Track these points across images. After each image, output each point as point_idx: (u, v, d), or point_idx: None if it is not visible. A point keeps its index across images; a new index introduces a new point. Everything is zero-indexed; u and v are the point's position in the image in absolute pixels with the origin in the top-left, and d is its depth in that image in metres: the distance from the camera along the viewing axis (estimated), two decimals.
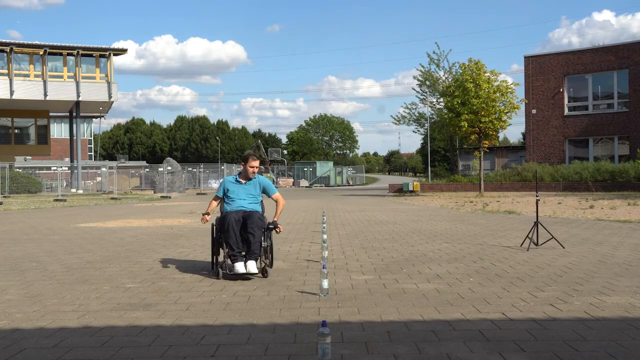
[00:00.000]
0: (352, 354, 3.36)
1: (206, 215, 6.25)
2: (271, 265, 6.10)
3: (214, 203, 6.47)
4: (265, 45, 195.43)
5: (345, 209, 17.31)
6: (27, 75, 35.04)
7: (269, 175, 56.29)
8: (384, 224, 11.85)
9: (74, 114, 37.81)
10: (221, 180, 6.16)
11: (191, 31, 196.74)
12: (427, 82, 39.89)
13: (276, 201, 6.40)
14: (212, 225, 6.22)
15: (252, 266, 5.69)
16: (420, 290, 5.11)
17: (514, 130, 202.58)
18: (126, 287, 5.46)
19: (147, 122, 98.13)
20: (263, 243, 5.90)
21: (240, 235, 5.82)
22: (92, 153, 69.14)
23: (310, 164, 60.01)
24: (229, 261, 5.78)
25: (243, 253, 5.81)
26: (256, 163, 6.25)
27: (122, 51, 38.39)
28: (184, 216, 14.84)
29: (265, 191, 6.36)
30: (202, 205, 20.68)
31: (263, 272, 5.85)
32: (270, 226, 6.04)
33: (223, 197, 6.35)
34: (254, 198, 6.26)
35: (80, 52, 35.94)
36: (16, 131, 40.49)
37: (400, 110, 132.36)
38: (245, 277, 5.66)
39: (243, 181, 6.27)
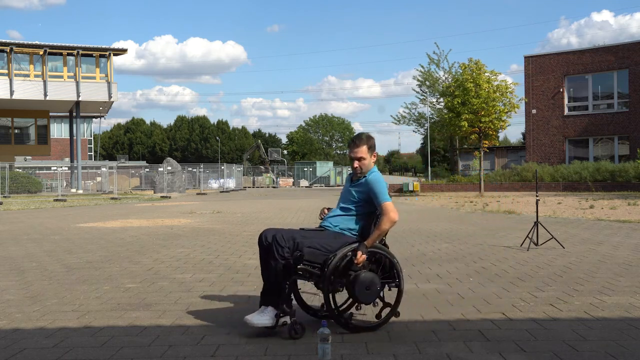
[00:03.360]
0: (352, 354, 3.37)
1: None
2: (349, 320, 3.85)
3: None
4: (265, 45, 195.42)
5: None
6: (27, 75, 35.06)
7: (269, 175, 56.19)
8: None
9: (74, 114, 37.83)
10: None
11: (191, 31, 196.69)
12: (427, 82, 39.92)
13: (382, 215, 3.95)
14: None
15: (254, 316, 3.75)
16: (420, 290, 5.11)
17: (514, 130, 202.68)
18: (126, 287, 5.46)
19: (147, 122, 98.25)
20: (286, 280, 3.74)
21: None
22: (92, 153, 69.21)
23: (310, 164, 60.04)
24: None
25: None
26: (359, 150, 4.03)
27: (122, 51, 38.42)
28: (184, 216, 14.84)
29: (372, 197, 3.99)
30: (202, 205, 20.66)
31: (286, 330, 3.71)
32: (297, 253, 3.70)
33: None
34: (350, 208, 4.05)
35: (80, 52, 35.97)
36: (16, 131, 40.51)
37: (400, 110, 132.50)
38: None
39: (353, 179, 4.17)
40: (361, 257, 3.72)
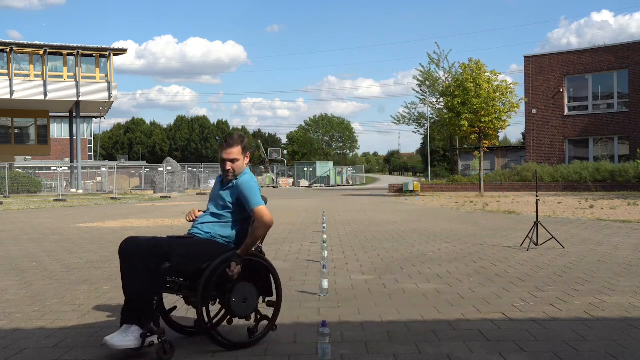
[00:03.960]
0: (352, 354, 3.37)
1: None
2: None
3: None
4: (265, 45, 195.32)
5: (346, 209, 17.31)
6: (27, 75, 35.06)
7: (269, 175, 56.14)
8: (384, 224, 11.85)
9: (74, 114, 37.84)
10: None
11: (191, 31, 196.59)
12: (427, 82, 39.91)
13: (255, 220, 3.67)
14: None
15: (116, 336, 3.25)
16: (420, 290, 5.11)
17: (514, 130, 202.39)
18: None
19: (147, 122, 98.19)
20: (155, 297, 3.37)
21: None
22: (92, 153, 69.18)
23: (310, 164, 60.02)
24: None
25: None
26: (232, 151, 3.70)
27: (122, 51, 38.43)
28: (184, 216, 14.84)
29: (243, 201, 3.68)
30: (202, 205, 20.67)
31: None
32: (167, 264, 3.30)
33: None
34: (222, 214, 3.74)
35: (80, 52, 35.97)
36: (16, 131, 40.51)
37: (400, 110, 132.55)
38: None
39: (224, 181, 3.84)
40: (236, 268, 3.39)
